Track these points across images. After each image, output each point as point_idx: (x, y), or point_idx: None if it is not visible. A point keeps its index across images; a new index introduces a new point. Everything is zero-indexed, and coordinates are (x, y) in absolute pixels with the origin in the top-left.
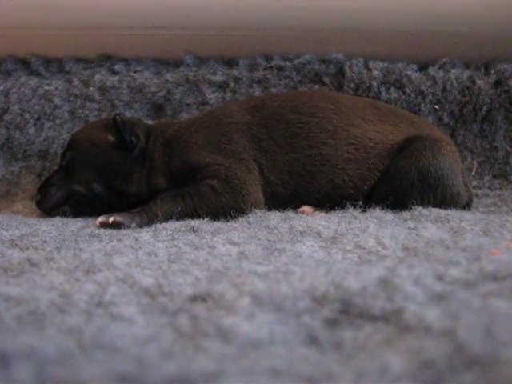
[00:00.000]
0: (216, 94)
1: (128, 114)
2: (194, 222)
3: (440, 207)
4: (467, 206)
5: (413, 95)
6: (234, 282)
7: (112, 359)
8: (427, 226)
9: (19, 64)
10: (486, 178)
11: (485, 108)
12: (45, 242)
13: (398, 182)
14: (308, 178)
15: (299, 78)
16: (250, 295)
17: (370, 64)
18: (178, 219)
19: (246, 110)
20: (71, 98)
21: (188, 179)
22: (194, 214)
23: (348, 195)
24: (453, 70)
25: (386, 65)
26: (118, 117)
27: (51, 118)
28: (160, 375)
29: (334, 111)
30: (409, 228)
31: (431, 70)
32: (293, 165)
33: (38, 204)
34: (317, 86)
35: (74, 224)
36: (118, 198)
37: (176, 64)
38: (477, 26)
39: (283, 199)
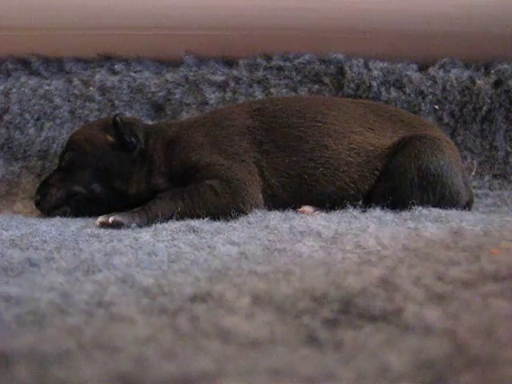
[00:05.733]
0: (216, 93)
1: (128, 114)
2: (194, 222)
3: (440, 205)
4: (467, 206)
5: (413, 95)
6: (234, 281)
7: (112, 359)
8: (427, 225)
9: (19, 64)
10: (486, 178)
11: (485, 108)
12: (45, 241)
13: (398, 180)
14: (309, 180)
15: (299, 78)
16: (249, 295)
17: (370, 64)
18: (177, 219)
19: (247, 113)
20: (71, 98)
21: (188, 179)
22: (194, 214)
23: (349, 196)
24: (453, 70)
25: (385, 65)
26: (117, 117)
27: (51, 118)
28: (160, 375)
29: (335, 117)
30: (409, 228)
31: (431, 70)
32: (294, 167)
33: (38, 204)
34: (317, 86)
35: (74, 224)
36: (118, 198)
37: (176, 64)
38: (477, 26)
39: (284, 201)
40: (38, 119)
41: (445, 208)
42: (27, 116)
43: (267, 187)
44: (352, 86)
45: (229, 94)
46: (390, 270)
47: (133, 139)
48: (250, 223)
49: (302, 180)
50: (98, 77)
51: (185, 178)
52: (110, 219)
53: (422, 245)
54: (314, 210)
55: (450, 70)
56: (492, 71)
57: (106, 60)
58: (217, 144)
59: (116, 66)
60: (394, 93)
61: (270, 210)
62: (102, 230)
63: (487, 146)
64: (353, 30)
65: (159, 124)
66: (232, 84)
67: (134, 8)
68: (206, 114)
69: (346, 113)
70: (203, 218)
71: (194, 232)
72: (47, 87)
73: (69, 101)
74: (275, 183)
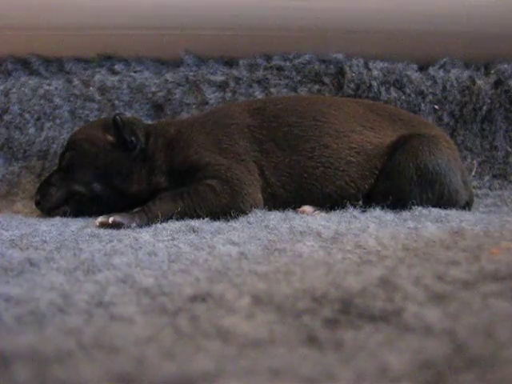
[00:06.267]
0: (216, 93)
1: (128, 114)
2: (194, 222)
3: (439, 204)
4: (467, 206)
5: (413, 95)
6: (234, 281)
7: (112, 359)
8: (427, 225)
9: (19, 64)
10: (486, 178)
11: (485, 108)
12: (45, 242)
13: (397, 179)
14: (309, 179)
15: (299, 78)
16: (249, 295)
17: (370, 64)
18: (177, 219)
19: (248, 112)
20: (71, 98)
21: (188, 178)
22: (194, 214)
23: (349, 195)
24: (453, 70)
25: (386, 65)
26: (117, 117)
27: (51, 118)
28: (160, 375)
29: (335, 116)
30: (409, 228)
31: (431, 70)
32: (294, 167)
33: (38, 204)
34: (317, 86)
35: (74, 224)
36: (118, 197)
37: (176, 64)
38: (477, 26)
39: (284, 200)
40: (38, 119)
41: (444, 207)
42: (27, 116)
43: (267, 186)
44: (352, 86)
45: (229, 94)
46: (390, 269)
47: (133, 138)
48: (250, 223)
49: (302, 179)
50: (98, 77)
51: (185, 176)
52: (110, 220)
53: (422, 245)
54: (314, 210)
55: (450, 70)
56: (492, 71)
57: (106, 60)
58: (217, 143)
59: (116, 66)
60: (393, 93)
61: (270, 209)
62: (102, 230)
63: (487, 146)
64: (353, 30)
65: (160, 123)
66: (232, 84)
67: (134, 8)
68: (207, 113)
69: (346, 112)
70: (203, 218)
71: (194, 232)
72: (47, 87)
73: (69, 101)
74: (275, 182)
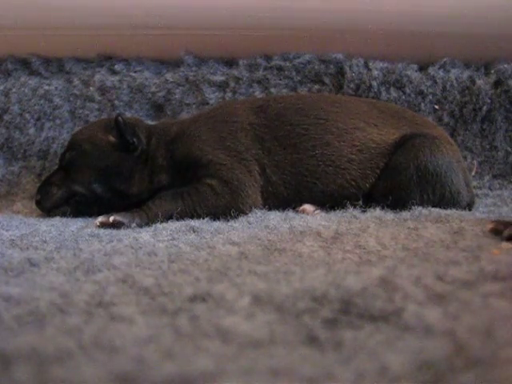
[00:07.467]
0: (216, 93)
1: (128, 114)
2: (194, 222)
3: (440, 205)
4: (468, 208)
5: (413, 95)
6: (234, 281)
7: (112, 359)
8: (427, 225)
9: (19, 64)
10: (486, 178)
11: (485, 108)
12: (45, 241)
13: (397, 178)
14: (311, 178)
15: (299, 78)
16: (250, 295)
17: (370, 64)
18: (177, 219)
19: (250, 109)
20: (71, 98)
21: (190, 175)
22: (194, 214)
23: (350, 194)
24: (453, 70)
25: (386, 65)
26: (119, 117)
27: (51, 118)
28: (160, 375)
29: (338, 114)
30: (409, 228)
31: (431, 70)
32: (295, 165)
33: (38, 204)
34: (317, 86)
35: (74, 224)
36: (119, 198)
37: (176, 64)
38: (477, 26)
39: (285, 199)
40: (38, 119)
41: (445, 207)
42: (27, 116)
43: (268, 185)
44: (352, 86)
45: (229, 94)
46: (390, 270)
47: (135, 139)
48: (250, 223)
49: (303, 178)
50: (97, 77)
51: (187, 172)
52: (111, 219)
53: (422, 245)
54: (315, 209)
55: (450, 70)
56: (492, 71)
57: (106, 60)
58: (220, 140)
59: (116, 66)
60: (393, 93)
61: (270, 207)
62: (102, 230)
63: (487, 146)
64: (353, 30)
65: (161, 123)
66: (232, 84)
67: (134, 8)
68: (209, 110)
69: (350, 109)
70: (203, 218)
71: (194, 232)
72: (47, 87)
73: (69, 101)
74: (277, 180)
